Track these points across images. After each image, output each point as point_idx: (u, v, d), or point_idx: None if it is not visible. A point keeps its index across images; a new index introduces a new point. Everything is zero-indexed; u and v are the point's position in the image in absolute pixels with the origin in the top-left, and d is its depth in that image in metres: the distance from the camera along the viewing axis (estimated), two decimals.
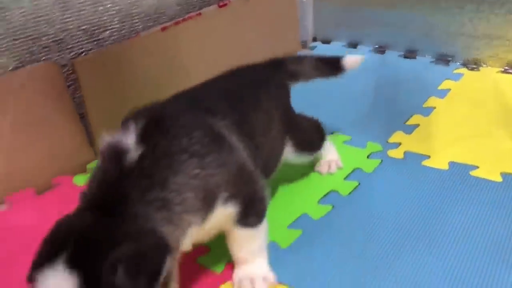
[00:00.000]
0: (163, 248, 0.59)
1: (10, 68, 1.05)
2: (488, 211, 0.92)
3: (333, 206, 0.97)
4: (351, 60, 1.05)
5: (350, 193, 1.01)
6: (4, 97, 1.03)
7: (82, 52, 1.16)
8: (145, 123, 0.66)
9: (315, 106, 1.34)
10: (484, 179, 1.00)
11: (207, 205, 0.67)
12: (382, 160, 1.11)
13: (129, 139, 0.64)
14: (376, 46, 1.65)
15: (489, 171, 1.02)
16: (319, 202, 0.98)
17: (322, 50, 1.72)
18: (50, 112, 1.10)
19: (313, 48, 1.73)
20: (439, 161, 1.07)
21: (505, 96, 1.31)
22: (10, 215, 0.96)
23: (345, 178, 1.05)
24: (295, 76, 1.03)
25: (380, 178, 1.05)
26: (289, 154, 0.96)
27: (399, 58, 1.59)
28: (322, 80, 1.07)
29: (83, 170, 1.12)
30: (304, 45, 1.74)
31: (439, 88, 1.39)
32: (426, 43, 1.55)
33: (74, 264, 0.54)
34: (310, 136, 1.03)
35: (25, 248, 0.84)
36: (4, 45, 1.02)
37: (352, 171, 1.07)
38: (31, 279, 0.56)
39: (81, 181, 1.07)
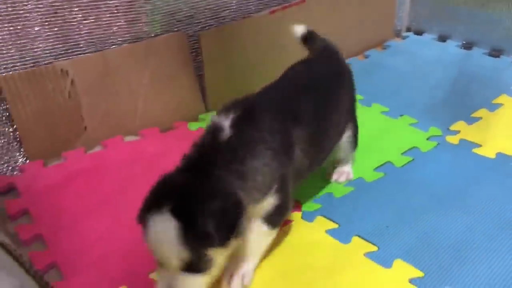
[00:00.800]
0: (240, 208, 0.77)
1: (152, 35, 1.38)
2: None
3: (385, 174, 1.18)
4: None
5: (403, 165, 1.21)
6: (146, 57, 1.36)
7: (205, 27, 1.46)
8: (240, 113, 0.85)
9: (394, 91, 1.55)
10: None
11: (266, 190, 0.84)
12: (438, 143, 1.29)
13: (226, 122, 0.83)
14: (464, 42, 1.77)
15: None
16: (374, 169, 1.20)
17: (414, 40, 1.87)
18: (175, 71, 1.42)
19: (405, 37, 1.89)
20: (488, 151, 1.24)
21: None
22: (143, 144, 1.31)
23: (402, 153, 1.26)
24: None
25: (432, 157, 1.24)
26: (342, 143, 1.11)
27: (484, 55, 1.71)
28: None
29: (195, 119, 1.44)
30: (397, 34, 1.90)
31: None
32: (510, 43, 1.65)
33: (177, 214, 0.72)
34: (357, 133, 1.16)
35: (150, 167, 1.18)
36: (150, 18, 1.35)
37: (410, 149, 1.27)
38: (141, 220, 0.75)
39: (193, 127, 1.39)
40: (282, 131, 0.88)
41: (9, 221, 1.06)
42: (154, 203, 0.75)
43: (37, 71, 1.20)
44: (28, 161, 1.22)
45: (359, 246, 0.96)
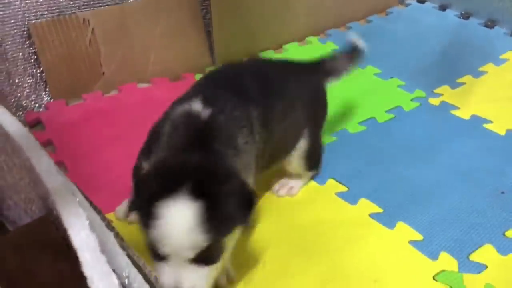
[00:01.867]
0: (250, 186, 0.73)
1: None
2: (483, 152, 1.21)
3: (367, 127, 1.32)
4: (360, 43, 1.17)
5: (385, 121, 1.34)
6: (158, 13, 1.49)
7: None
8: (203, 97, 0.80)
9: (389, 54, 1.66)
10: (491, 131, 1.28)
11: (249, 171, 0.79)
12: (421, 104, 1.41)
13: (197, 105, 0.78)
14: (463, 12, 1.85)
15: (499, 126, 1.29)
16: (359, 123, 1.34)
17: (415, 8, 1.95)
18: (186, 26, 1.55)
19: (408, 5, 1.97)
20: (464, 112, 1.36)
21: None
22: (153, 90, 1.46)
23: (386, 111, 1.38)
24: (331, 73, 1.13)
25: (413, 116, 1.36)
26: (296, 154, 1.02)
27: (479, 25, 1.79)
28: (352, 68, 1.18)
29: (202, 71, 1.58)
30: (400, 1, 1.99)
31: (501, 57, 1.61)
32: (507, 15, 1.73)
33: (197, 194, 0.64)
34: (317, 151, 1.10)
35: (159, 110, 1.33)
36: None
37: (394, 107, 1.39)
38: (146, 209, 0.65)
39: None
40: (243, 109, 0.82)
41: None
42: (163, 187, 0.66)
43: (62, 20, 1.34)
44: (52, 99, 1.39)
45: (332, 186, 1.11)
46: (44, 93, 1.38)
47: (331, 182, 1.13)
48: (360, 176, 1.14)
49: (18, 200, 0.67)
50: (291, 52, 1.69)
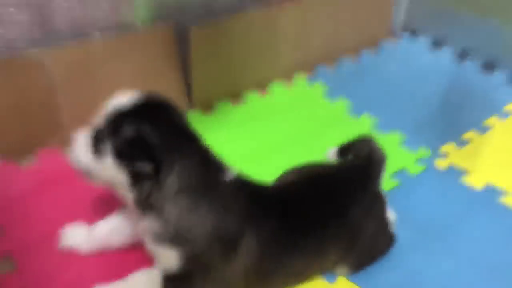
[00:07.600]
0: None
1: (138, 24, 1.28)
2: (502, 236, 1.08)
3: None
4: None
5: (389, 190, 1.18)
6: (128, 51, 1.27)
7: (194, 18, 1.37)
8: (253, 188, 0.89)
9: (385, 101, 1.51)
10: (509, 206, 1.15)
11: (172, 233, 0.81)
12: (427, 167, 1.27)
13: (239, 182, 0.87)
14: (459, 50, 1.72)
15: None
16: None
17: (408, 42, 1.80)
18: (160, 65, 1.34)
19: (399, 37, 1.83)
20: (476, 180, 1.22)
21: None
22: None
23: (390, 175, 1.22)
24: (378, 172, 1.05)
25: (420, 183, 1.22)
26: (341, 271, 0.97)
27: (477, 68, 1.66)
28: None
29: None
30: (392, 33, 1.84)
31: (505, 108, 1.49)
32: (507, 56, 1.61)
33: None
34: (374, 251, 1.01)
35: None
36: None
37: (398, 171, 1.24)
38: None
39: None
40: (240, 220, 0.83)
41: None
42: None
43: (9, 62, 1.10)
44: None
45: (344, 285, 0.95)
46: None
47: (341, 280, 0.96)
48: (375, 270, 0.98)
49: None
50: (277, 95, 1.50)
